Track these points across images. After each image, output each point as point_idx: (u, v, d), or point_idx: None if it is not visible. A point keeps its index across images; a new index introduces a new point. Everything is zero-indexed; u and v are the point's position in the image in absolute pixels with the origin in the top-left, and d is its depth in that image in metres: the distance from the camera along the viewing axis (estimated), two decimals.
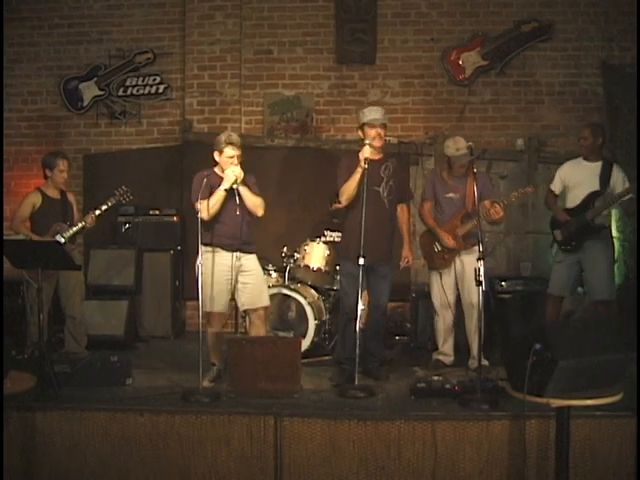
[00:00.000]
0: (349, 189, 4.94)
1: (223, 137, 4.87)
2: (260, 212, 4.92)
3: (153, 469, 4.13)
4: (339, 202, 5.14)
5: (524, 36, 7.13)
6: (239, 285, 4.90)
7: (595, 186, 5.37)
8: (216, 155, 4.86)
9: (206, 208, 4.76)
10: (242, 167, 4.81)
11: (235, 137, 4.86)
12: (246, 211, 4.86)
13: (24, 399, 4.10)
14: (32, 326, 5.24)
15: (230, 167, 4.77)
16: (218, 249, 4.85)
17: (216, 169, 4.92)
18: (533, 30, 7.11)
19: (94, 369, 4.71)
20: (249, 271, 4.91)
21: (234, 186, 4.76)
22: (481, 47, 7.18)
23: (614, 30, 7.04)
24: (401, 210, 5.24)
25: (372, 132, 4.96)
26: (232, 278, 4.87)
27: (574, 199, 5.47)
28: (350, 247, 5.03)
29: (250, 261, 4.94)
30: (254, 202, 4.87)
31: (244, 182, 4.82)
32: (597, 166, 5.41)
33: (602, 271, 5.36)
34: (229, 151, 4.80)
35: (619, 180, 5.35)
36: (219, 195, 4.77)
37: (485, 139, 7.11)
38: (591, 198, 5.36)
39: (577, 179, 5.45)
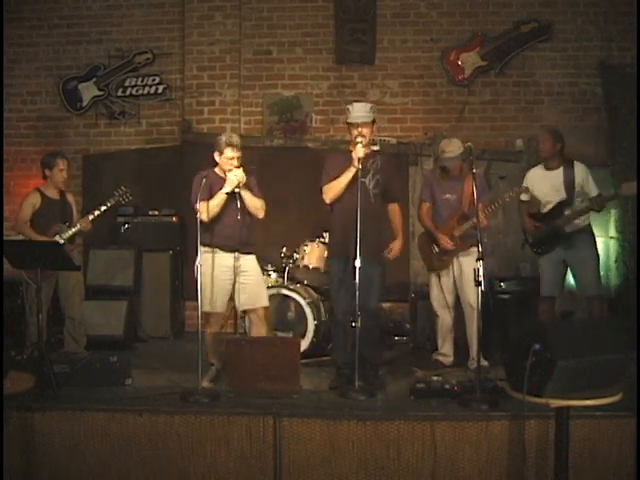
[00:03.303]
0: (338, 187, 4.86)
1: (223, 138, 4.84)
2: (261, 214, 4.91)
3: (153, 469, 4.13)
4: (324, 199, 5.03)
5: (523, 36, 7.14)
6: (238, 285, 4.88)
7: (562, 194, 5.37)
8: (216, 156, 4.84)
9: (206, 210, 4.73)
10: (243, 169, 4.79)
11: (236, 138, 4.84)
12: (247, 213, 4.85)
13: (24, 399, 4.09)
14: (31, 326, 5.24)
15: (233, 170, 4.74)
16: (217, 250, 4.83)
17: (216, 169, 4.90)
18: (532, 30, 7.13)
19: (93, 369, 4.71)
20: (248, 271, 4.90)
21: (236, 190, 4.75)
22: (480, 47, 7.19)
23: (613, 30, 7.05)
24: (392, 209, 5.12)
25: (354, 132, 4.87)
26: (232, 279, 4.86)
27: (544, 206, 5.49)
28: (335, 245, 5.01)
29: (249, 262, 4.93)
30: (255, 205, 4.86)
31: (245, 184, 4.80)
32: (559, 173, 5.40)
33: (588, 268, 5.40)
34: (229, 152, 4.78)
35: (584, 180, 5.35)
36: (220, 198, 4.75)
37: (484, 139, 7.11)
38: (560, 207, 5.38)
39: (542, 188, 5.46)
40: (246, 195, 4.81)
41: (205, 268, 4.73)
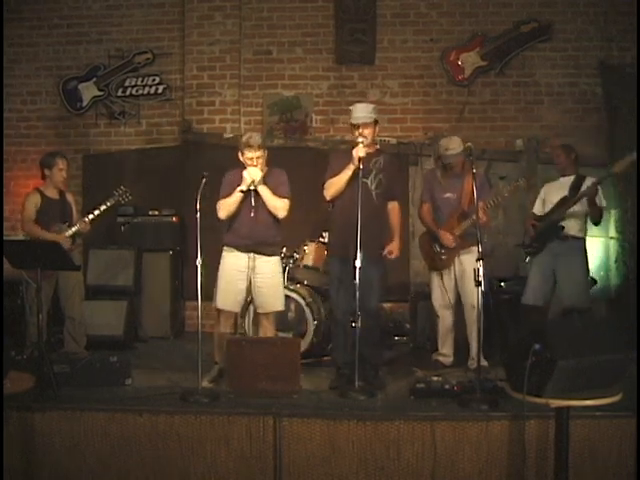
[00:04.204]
0: (337, 185, 4.87)
1: (243, 139, 4.91)
2: (281, 214, 4.91)
3: (153, 469, 4.13)
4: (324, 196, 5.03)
5: (523, 36, 7.14)
6: (254, 288, 4.91)
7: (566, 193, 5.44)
8: (240, 156, 4.89)
9: (222, 207, 4.84)
10: (268, 166, 4.86)
11: (254, 139, 4.86)
12: (266, 212, 4.86)
13: (24, 399, 4.09)
14: (31, 326, 5.23)
15: (248, 169, 4.79)
16: (233, 249, 4.89)
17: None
18: (532, 30, 7.13)
19: (93, 369, 4.71)
20: (264, 274, 4.90)
21: (251, 187, 4.78)
22: (480, 47, 7.19)
23: (613, 30, 7.05)
24: (392, 208, 5.08)
25: (355, 132, 4.89)
26: (247, 279, 4.88)
27: (548, 207, 5.55)
28: (335, 245, 5.02)
29: (267, 264, 4.93)
30: (274, 204, 4.86)
31: (266, 182, 4.83)
32: (570, 178, 5.48)
33: (576, 279, 5.37)
34: (248, 153, 4.82)
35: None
36: (236, 196, 4.81)
37: (484, 139, 7.11)
38: (561, 204, 5.41)
39: (553, 193, 5.53)
40: (265, 193, 4.82)
41: (222, 266, 4.88)
